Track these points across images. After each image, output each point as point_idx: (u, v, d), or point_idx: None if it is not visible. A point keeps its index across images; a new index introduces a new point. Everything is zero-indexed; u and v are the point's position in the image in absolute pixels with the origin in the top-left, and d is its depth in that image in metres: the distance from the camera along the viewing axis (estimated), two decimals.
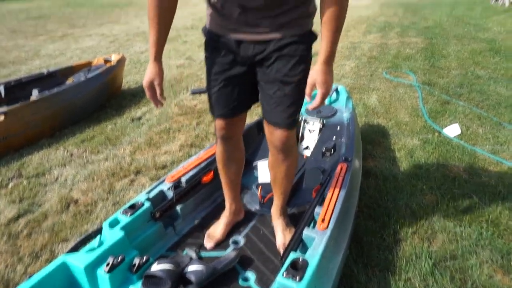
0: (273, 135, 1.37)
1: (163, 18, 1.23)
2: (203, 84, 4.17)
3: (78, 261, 1.23)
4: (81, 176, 2.42)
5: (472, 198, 2.15)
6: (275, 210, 1.62)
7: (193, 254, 1.50)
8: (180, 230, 1.66)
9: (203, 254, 1.54)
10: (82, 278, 1.25)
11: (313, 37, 1.27)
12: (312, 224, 1.49)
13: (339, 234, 1.46)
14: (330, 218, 1.43)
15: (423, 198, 2.15)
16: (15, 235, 1.89)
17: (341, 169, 1.74)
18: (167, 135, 2.97)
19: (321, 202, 1.56)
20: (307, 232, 1.38)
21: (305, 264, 1.21)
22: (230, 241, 1.62)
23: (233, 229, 1.68)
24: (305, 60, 1.26)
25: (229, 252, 1.50)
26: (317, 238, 1.34)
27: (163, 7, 1.22)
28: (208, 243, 1.59)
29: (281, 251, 1.52)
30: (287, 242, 1.52)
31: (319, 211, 1.48)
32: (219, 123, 1.45)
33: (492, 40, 6.45)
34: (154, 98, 1.33)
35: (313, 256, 1.26)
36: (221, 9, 1.22)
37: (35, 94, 2.97)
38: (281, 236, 1.58)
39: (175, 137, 2.93)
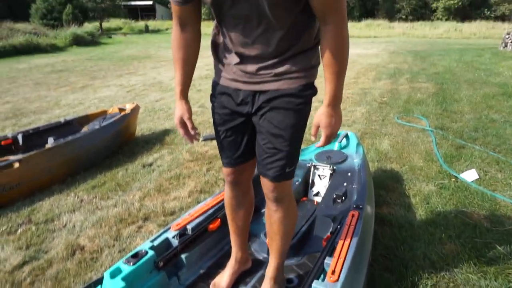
0: (264, 185, 1.34)
1: (187, 58, 1.29)
2: None
3: None
4: (89, 222, 2.40)
5: (496, 248, 2.02)
6: (268, 271, 1.50)
7: None
8: (185, 280, 1.59)
9: None
10: None
11: (313, 91, 1.23)
12: (322, 276, 1.41)
13: (351, 287, 1.37)
14: (341, 269, 1.35)
15: (442, 248, 2.03)
16: (18, 283, 1.85)
17: (352, 217, 1.68)
18: (177, 181, 2.97)
19: (331, 252, 1.49)
20: (316, 285, 1.30)
21: None
22: None
23: (239, 278, 1.60)
24: (300, 114, 1.22)
25: None
26: None
27: (187, 48, 1.27)
28: None
29: None
30: None
31: (329, 262, 1.40)
32: (226, 170, 1.45)
33: (504, 84, 6.46)
34: (187, 134, 1.37)
35: None
36: (223, 58, 1.27)
37: (50, 142, 3.05)
38: None
39: (185, 183, 2.92)
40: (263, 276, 1.61)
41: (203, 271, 1.66)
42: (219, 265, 1.69)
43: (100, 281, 1.34)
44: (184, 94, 1.35)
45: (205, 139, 3.86)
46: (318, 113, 1.20)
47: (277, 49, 1.15)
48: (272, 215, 1.39)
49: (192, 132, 1.36)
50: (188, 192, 2.75)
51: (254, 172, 1.51)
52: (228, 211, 1.56)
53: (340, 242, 1.50)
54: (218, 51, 1.29)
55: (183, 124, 1.36)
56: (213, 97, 1.37)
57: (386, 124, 4.34)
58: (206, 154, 3.54)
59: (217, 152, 3.39)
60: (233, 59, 1.23)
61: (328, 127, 1.19)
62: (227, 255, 1.76)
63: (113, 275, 1.35)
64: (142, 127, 4.53)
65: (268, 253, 1.74)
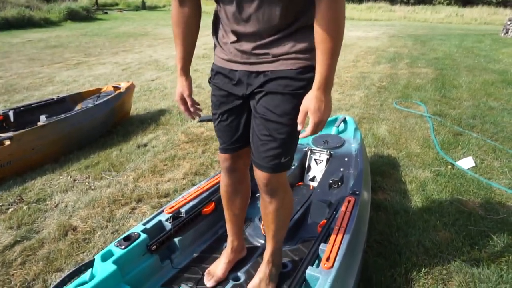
0: (257, 175, 1.28)
1: (186, 34, 1.26)
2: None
3: None
4: (82, 202, 2.36)
5: (489, 236, 2.02)
6: (265, 255, 1.47)
7: None
8: (178, 264, 1.58)
9: None
10: None
11: (313, 74, 1.11)
12: (316, 263, 1.40)
13: (345, 273, 1.36)
14: (336, 256, 1.33)
15: (436, 235, 2.03)
16: (9, 263, 1.83)
17: (348, 203, 1.66)
18: (171, 162, 2.93)
19: (326, 239, 1.47)
20: (310, 272, 1.29)
21: None
22: (230, 277, 1.52)
23: (234, 264, 1.59)
24: (299, 100, 1.12)
25: None
26: (321, 278, 1.25)
27: (186, 24, 1.24)
28: (208, 281, 1.49)
29: None
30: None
31: (324, 248, 1.39)
32: (222, 155, 1.40)
33: (503, 71, 6.40)
34: (188, 111, 1.38)
35: None
36: (221, 37, 1.22)
37: (42, 119, 2.98)
38: (256, 283, 1.43)
39: (179, 165, 2.88)
40: (257, 262, 1.61)
41: (196, 255, 1.65)
42: (213, 249, 1.68)
43: (90, 263, 1.32)
44: (185, 71, 1.33)
45: (202, 120, 3.80)
46: (307, 97, 1.09)
47: (274, 26, 1.07)
48: (266, 206, 1.35)
49: (191, 109, 1.37)
50: (183, 174, 2.72)
51: (250, 159, 1.47)
52: (224, 199, 1.52)
53: (336, 229, 1.48)
54: (217, 30, 1.24)
55: (183, 100, 1.36)
56: (211, 79, 1.32)
57: (384, 109, 4.30)
58: (202, 136, 3.49)
59: (213, 133, 3.35)
60: (229, 37, 1.17)
61: (317, 113, 1.07)
62: (221, 239, 1.75)
63: (104, 258, 1.33)
64: (137, 106, 4.45)
65: (263, 238, 1.73)
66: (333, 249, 1.37)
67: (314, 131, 1.10)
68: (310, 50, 1.12)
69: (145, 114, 4.20)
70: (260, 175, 1.26)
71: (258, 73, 1.15)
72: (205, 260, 1.62)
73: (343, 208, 1.61)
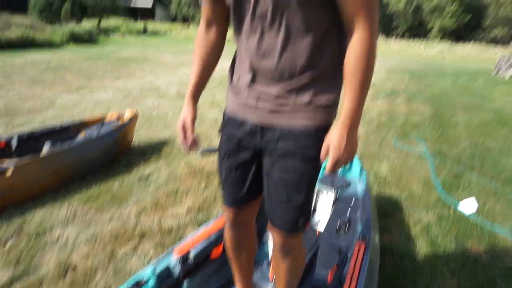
0: (273, 234, 1.24)
1: (206, 59, 1.22)
2: (213, 142, 4.18)
3: None
4: (83, 237, 2.32)
5: (497, 284, 2.00)
6: None
7: None
8: None
9: None
10: None
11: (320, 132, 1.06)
12: None
13: None
14: None
15: (444, 282, 2.01)
16: None
17: (359, 249, 1.64)
18: (174, 197, 2.91)
19: (338, 287, 1.45)
20: None
21: None
22: None
23: None
24: (318, 161, 1.08)
25: None
26: None
27: (208, 48, 1.21)
28: None
29: None
30: None
31: None
32: (227, 209, 1.33)
33: (498, 110, 6.56)
34: (184, 142, 1.26)
35: None
36: (236, 78, 1.15)
37: (46, 148, 2.96)
38: None
39: (182, 200, 2.86)
40: None
41: None
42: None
43: None
44: (194, 98, 1.27)
45: (204, 153, 3.81)
46: (330, 132, 1.03)
47: (298, 65, 0.99)
48: (279, 262, 1.32)
49: (190, 139, 1.25)
50: (186, 209, 2.69)
51: (257, 210, 1.41)
52: (228, 252, 1.47)
53: (348, 278, 1.46)
54: (233, 69, 1.18)
55: (184, 128, 1.25)
56: (222, 127, 1.25)
57: (384, 147, 4.35)
58: (204, 169, 3.48)
59: (215, 167, 3.33)
60: (245, 77, 1.09)
61: (337, 151, 0.99)
62: (230, 283, 1.71)
63: None
64: (139, 134, 4.45)
65: (270, 285, 1.70)
66: None
67: (332, 169, 1.02)
68: (332, 106, 1.07)
69: (147, 144, 4.19)
70: (277, 236, 1.22)
71: (272, 126, 1.08)
72: None
73: (354, 255, 1.59)
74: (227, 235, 1.43)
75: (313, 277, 1.77)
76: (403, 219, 2.68)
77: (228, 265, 1.80)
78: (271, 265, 1.77)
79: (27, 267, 2.02)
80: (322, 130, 1.06)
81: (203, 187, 3.08)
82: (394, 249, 2.27)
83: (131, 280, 1.41)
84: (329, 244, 1.87)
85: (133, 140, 4.18)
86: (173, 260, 1.57)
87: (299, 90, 1.03)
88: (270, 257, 1.84)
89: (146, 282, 1.41)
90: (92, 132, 3.59)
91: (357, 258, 1.58)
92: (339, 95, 1.09)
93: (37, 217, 2.54)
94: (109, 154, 3.55)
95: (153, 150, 3.95)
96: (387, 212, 2.76)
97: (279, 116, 1.07)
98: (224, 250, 1.76)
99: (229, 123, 1.21)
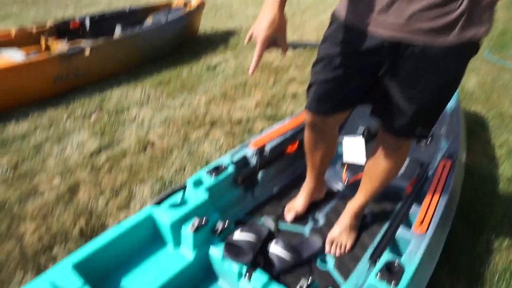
0: (384, 137, 1.18)
1: None
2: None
3: (165, 217, 1.21)
4: (157, 119, 2.42)
5: None
6: (350, 206, 1.42)
7: (271, 225, 1.43)
8: (258, 198, 1.60)
9: (282, 226, 1.47)
10: (167, 233, 1.23)
11: (475, 50, 0.94)
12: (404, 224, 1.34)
13: (436, 240, 1.30)
14: (430, 221, 1.27)
15: None
16: (97, 168, 1.96)
17: (444, 167, 1.53)
18: (242, 89, 2.87)
19: (418, 201, 1.40)
20: (402, 233, 1.25)
21: (401, 269, 1.09)
22: (310, 217, 1.53)
23: (313, 206, 1.58)
24: (454, 78, 0.99)
25: (314, 238, 1.40)
26: (413, 243, 1.20)
27: None
28: (288, 215, 1.51)
29: (327, 249, 1.38)
30: (339, 241, 1.38)
31: (416, 211, 1.32)
32: (311, 113, 1.23)
33: None
34: (260, 56, 0.90)
35: (410, 262, 1.14)
36: None
37: (117, 31, 2.98)
38: (337, 234, 1.39)
39: (251, 94, 2.82)
40: (336, 208, 1.59)
41: (276, 191, 1.65)
42: (293, 186, 1.67)
43: (183, 188, 1.35)
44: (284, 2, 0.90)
45: (290, 45, 3.56)
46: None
47: None
48: (379, 162, 1.26)
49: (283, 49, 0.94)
50: (255, 103, 2.66)
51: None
52: (306, 149, 1.43)
53: (430, 192, 1.39)
54: None
55: (268, 42, 0.89)
56: (328, 29, 1.07)
57: (475, 58, 3.82)
58: (272, 64, 3.34)
59: (283, 64, 3.18)
60: None
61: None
62: (302, 177, 1.72)
63: (196, 185, 1.36)
64: (204, 24, 4.29)
65: (342, 186, 1.69)
66: (427, 213, 1.30)
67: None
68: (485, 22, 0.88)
69: (213, 34, 4.06)
70: (389, 137, 1.16)
71: (408, 42, 0.91)
72: (284, 196, 1.63)
73: (438, 171, 1.50)
74: (308, 136, 1.38)
75: (390, 188, 1.71)
76: (487, 139, 2.45)
77: (302, 159, 1.80)
78: (345, 167, 1.74)
79: (111, 140, 2.19)
80: (467, 45, 0.91)
81: (272, 83, 2.99)
82: (474, 171, 2.12)
83: (212, 164, 1.46)
84: (409, 156, 1.77)
85: (199, 29, 4.06)
86: (249, 151, 1.58)
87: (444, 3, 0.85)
88: (343, 159, 1.80)
89: (226, 167, 1.45)
90: (160, 17, 3.51)
91: (441, 174, 1.48)
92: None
93: (114, 96, 2.67)
94: (177, 41, 3.50)
95: (220, 40, 3.82)
96: (471, 130, 2.53)
97: (416, 32, 0.90)
98: (299, 147, 1.74)
99: (342, 31, 1.02)
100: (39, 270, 1.42)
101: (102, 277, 1.16)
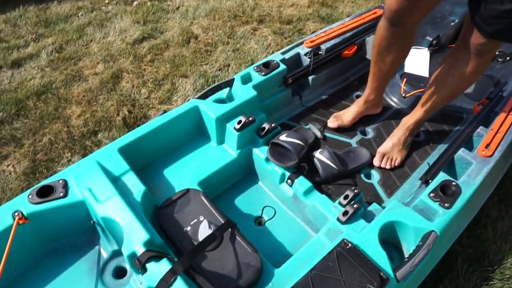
0: (474, 35, 1.00)
1: None
2: None
3: (211, 110, 1.16)
4: (202, 10, 2.24)
5: None
6: (406, 120, 1.30)
7: (317, 132, 1.36)
8: (306, 102, 1.50)
9: (328, 134, 1.39)
10: (211, 128, 1.20)
11: None
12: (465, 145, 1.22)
13: (499, 166, 1.19)
14: (498, 146, 1.14)
15: None
16: (140, 57, 1.90)
17: None
18: None
19: (486, 122, 1.25)
20: (463, 154, 1.13)
21: (458, 191, 1.01)
22: (358, 129, 1.43)
23: (362, 117, 1.46)
24: None
25: (362, 150, 1.31)
26: (475, 165, 1.10)
27: None
28: (332, 124, 1.40)
29: (376, 162, 1.28)
30: (390, 156, 1.28)
31: (483, 133, 1.19)
32: (393, 2, 1.04)
33: None
34: None
35: (468, 184, 1.05)
36: None
37: None
38: (389, 147, 1.29)
39: None
40: (389, 122, 1.47)
41: (325, 97, 1.54)
42: (342, 95, 1.55)
43: (230, 83, 1.27)
44: None
45: None
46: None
47: None
48: (457, 65, 1.10)
49: None
50: (308, 0, 2.38)
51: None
52: (375, 51, 1.25)
53: (503, 114, 1.23)
54: None
55: None
56: None
57: None
58: None
59: None
60: None
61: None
62: (352, 87, 1.60)
63: (244, 81, 1.27)
64: None
65: (399, 99, 1.55)
66: (496, 136, 1.17)
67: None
68: None
69: None
70: (476, 36, 0.99)
71: None
72: (333, 104, 1.51)
73: None
74: (379, 33, 1.19)
75: (453, 107, 1.54)
76: None
77: (356, 68, 1.64)
78: (404, 80, 1.57)
79: (153, 29, 2.08)
80: None
81: None
82: None
83: (262, 61, 1.34)
84: (485, 74, 1.55)
85: None
86: (303, 50, 1.44)
87: None
88: (403, 70, 1.62)
89: (277, 66, 1.33)
90: None
91: None
92: None
93: None
94: None
95: None
96: None
97: None
98: (356, 51, 1.56)
99: None
100: (85, 153, 1.47)
101: (146, 164, 1.17)
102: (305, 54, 1.42)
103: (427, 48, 1.69)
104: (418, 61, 1.66)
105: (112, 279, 0.96)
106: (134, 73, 1.80)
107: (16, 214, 0.88)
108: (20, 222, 0.87)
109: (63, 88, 1.76)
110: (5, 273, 0.82)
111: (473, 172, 1.09)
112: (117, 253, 1.00)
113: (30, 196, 0.93)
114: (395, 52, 1.22)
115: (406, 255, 0.96)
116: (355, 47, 1.54)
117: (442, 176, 1.05)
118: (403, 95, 1.53)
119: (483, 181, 1.07)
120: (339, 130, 1.40)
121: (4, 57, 1.90)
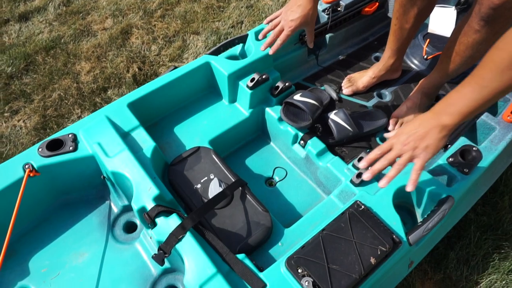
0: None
1: None
2: None
3: (223, 67, 1.11)
4: None
5: None
6: (423, 83, 1.23)
7: (333, 93, 1.31)
8: (322, 62, 1.43)
9: (343, 96, 1.33)
10: (223, 85, 1.16)
11: None
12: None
13: None
14: None
15: None
16: (150, 12, 1.82)
17: None
18: None
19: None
20: (487, 119, 1.08)
21: (478, 157, 0.97)
22: (375, 93, 1.37)
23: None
24: None
25: (378, 113, 1.25)
26: (498, 130, 1.05)
27: None
28: (346, 88, 1.34)
29: (390, 127, 1.22)
30: (405, 120, 1.22)
31: (508, 97, 1.13)
32: None
33: None
34: (283, 42, 1.08)
35: (489, 150, 1.01)
36: None
37: None
38: (403, 111, 1.23)
39: None
40: (407, 86, 1.40)
41: (342, 57, 1.46)
42: (360, 56, 1.47)
43: (244, 39, 1.21)
44: None
45: None
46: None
47: None
48: (469, 35, 1.01)
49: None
50: None
51: None
52: (397, 4, 1.16)
53: None
54: None
55: (295, 31, 1.05)
56: None
57: None
58: None
59: None
60: None
61: (402, 138, 0.80)
62: (371, 48, 1.51)
63: (258, 36, 1.20)
64: None
65: (421, 62, 1.47)
66: None
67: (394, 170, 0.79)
68: None
69: None
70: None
71: None
72: (350, 66, 1.45)
73: None
74: None
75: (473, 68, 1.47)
76: None
77: (376, 27, 1.55)
78: (427, 41, 1.48)
79: None
80: None
81: None
82: None
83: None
84: None
85: None
86: (321, 6, 1.35)
87: None
88: (427, 30, 1.52)
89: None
90: None
91: None
92: None
93: None
94: None
95: None
96: None
97: None
98: (378, 9, 1.47)
99: None
100: (95, 109, 1.45)
101: (156, 121, 1.15)
102: (323, 10, 1.34)
103: (454, 7, 1.58)
104: (443, 20, 1.56)
105: (122, 233, 0.97)
106: (144, 29, 1.74)
107: (26, 166, 0.88)
108: (31, 174, 0.87)
109: (72, 43, 1.72)
110: (18, 223, 0.83)
111: (496, 137, 1.04)
112: (127, 208, 1.00)
113: (40, 149, 0.92)
114: (419, 5, 1.13)
115: (420, 220, 0.94)
116: (377, 4, 1.44)
117: (462, 141, 1.00)
118: (425, 56, 1.44)
119: (506, 148, 1.03)
120: (355, 92, 1.35)
121: (11, 10, 1.85)
